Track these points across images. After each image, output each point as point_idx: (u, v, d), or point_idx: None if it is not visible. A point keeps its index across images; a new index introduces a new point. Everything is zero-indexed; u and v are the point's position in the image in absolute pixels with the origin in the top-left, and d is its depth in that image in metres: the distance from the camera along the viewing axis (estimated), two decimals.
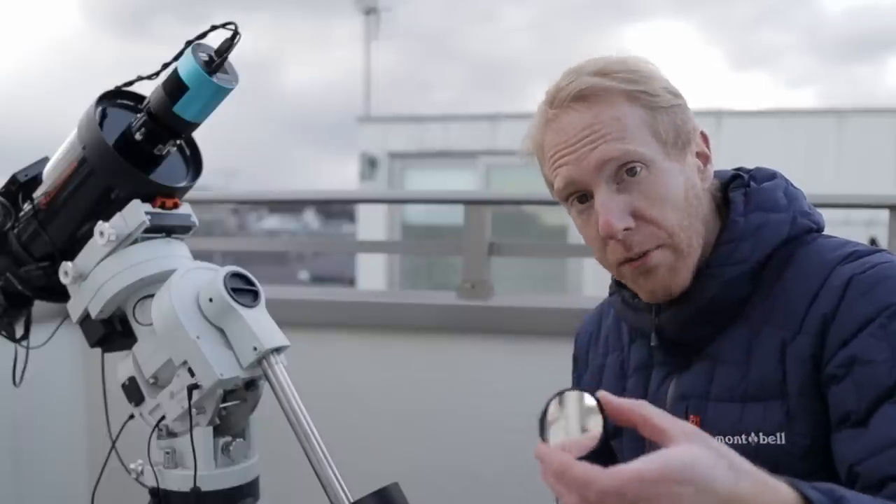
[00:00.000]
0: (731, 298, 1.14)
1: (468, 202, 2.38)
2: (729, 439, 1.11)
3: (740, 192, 1.17)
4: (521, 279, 7.94)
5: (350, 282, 11.26)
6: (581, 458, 1.41)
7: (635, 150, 1.11)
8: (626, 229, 1.10)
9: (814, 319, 1.08)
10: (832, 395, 1.06)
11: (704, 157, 1.19)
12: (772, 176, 1.20)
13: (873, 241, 5.80)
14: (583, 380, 1.36)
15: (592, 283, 7.38)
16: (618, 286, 1.27)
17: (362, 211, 10.36)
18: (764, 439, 1.09)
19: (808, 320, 1.08)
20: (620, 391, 1.27)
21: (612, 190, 1.11)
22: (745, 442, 1.10)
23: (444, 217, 8.46)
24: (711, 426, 1.13)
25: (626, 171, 1.11)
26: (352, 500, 1.07)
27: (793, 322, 1.09)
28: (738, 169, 1.23)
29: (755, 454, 1.09)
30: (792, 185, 1.21)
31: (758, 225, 1.14)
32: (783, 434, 1.08)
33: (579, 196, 1.15)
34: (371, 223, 9.88)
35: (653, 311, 1.19)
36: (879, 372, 1.02)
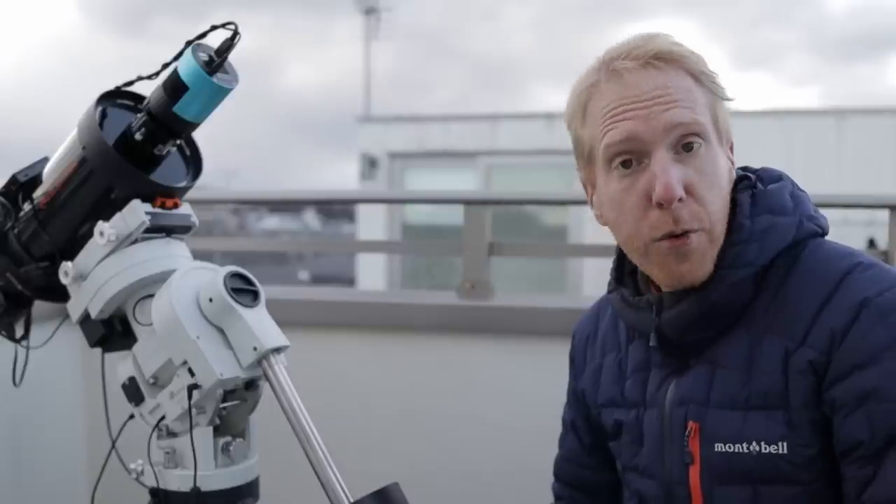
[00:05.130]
0: (734, 301, 1.13)
1: (468, 202, 2.38)
2: (730, 447, 1.11)
3: (747, 194, 1.16)
4: (521, 279, 7.94)
5: (350, 282, 11.25)
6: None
7: (703, 122, 1.11)
8: (679, 200, 1.09)
9: (820, 333, 1.07)
10: (841, 423, 1.06)
11: (731, 163, 1.19)
12: (778, 177, 1.20)
13: (872, 242, 5.80)
14: (580, 380, 1.36)
15: (592, 283, 7.38)
16: (617, 283, 1.26)
17: (362, 211, 10.37)
18: (766, 448, 1.09)
19: (813, 333, 1.07)
20: (619, 392, 1.27)
21: (671, 157, 1.10)
22: (746, 450, 1.10)
23: (445, 217, 8.46)
24: (711, 433, 1.13)
25: (684, 145, 1.10)
26: (352, 501, 1.07)
27: (797, 332, 1.09)
28: (744, 168, 1.23)
29: (756, 462, 1.09)
30: (798, 187, 1.20)
31: (765, 228, 1.13)
32: (785, 444, 1.08)
33: (624, 161, 1.12)
34: (371, 223, 9.89)
35: (654, 310, 1.18)
36: (894, 412, 1.02)
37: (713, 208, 1.11)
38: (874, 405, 1.03)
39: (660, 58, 1.11)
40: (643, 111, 1.09)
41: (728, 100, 1.16)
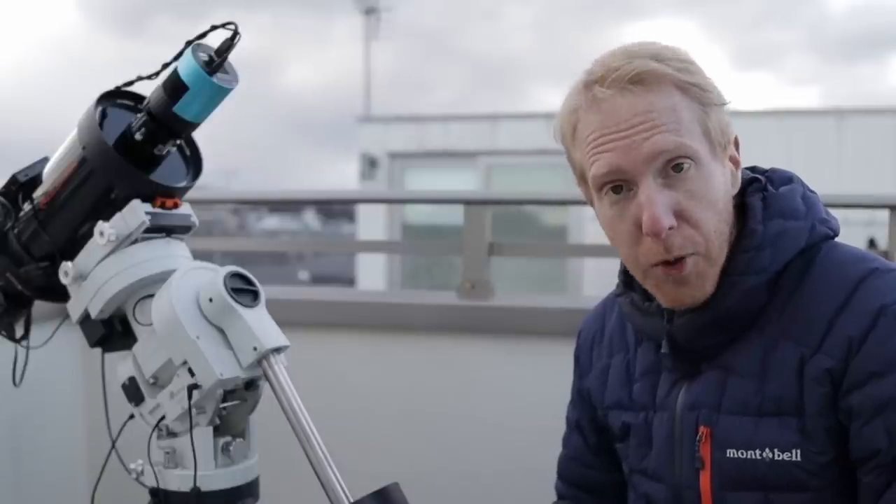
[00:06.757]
0: (747, 307, 1.12)
1: (468, 202, 2.39)
2: (742, 453, 1.10)
3: (758, 197, 1.14)
4: (521, 279, 7.94)
5: (350, 282, 11.25)
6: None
7: (689, 144, 1.07)
8: (669, 228, 1.06)
9: (837, 340, 1.06)
10: (858, 431, 1.05)
11: (735, 163, 1.16)
12: (789, 179, 1.18)
13: (872, 242, 5.80)
14: (586, 380, 1.35)
15: (592, 283, 7.38)
16: (626, 287, 1.25)
17: (362, 211, 10.37)
18: (779, 455, 1.08)
19: (830, 340, 1.06)
20: (627, 395, 1.26)
21: (658, 184, 1.07)
22: (759, 457, 1.09)
23: (445, 217, 8.46)
24: (723, 438, 1.12)
25: (672, 167, 1.07)
26: (352, 501, 1.07)
27: (812, 338, 1.08)
28: (753, 169, 1.21)
29: (769, 469, 1.09)
30: (809, 188, 1.18)
31: (777, 233, 1.11)
32: (799, 451, 1.07)
33: (614, 187, 1.09)
34: (371, 223, 9.89)
35: (664, 316, 1.16)
36: None
37: (707, 228, 1.08)
38: (892, 414, 1.03)
39: (638, 80, 1.06)
40: (623, 141, 1.06)
41: (723, 104, 1.12)
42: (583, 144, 1.11)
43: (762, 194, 1.15)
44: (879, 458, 1.04)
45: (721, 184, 1.11)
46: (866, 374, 1.04)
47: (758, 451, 1.09)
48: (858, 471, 1.07)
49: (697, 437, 1.14)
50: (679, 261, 1.09)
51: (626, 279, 1.24)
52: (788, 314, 1.11)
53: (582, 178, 1.16)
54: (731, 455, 1.11)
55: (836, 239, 1.17)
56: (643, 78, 1.06)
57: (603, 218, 1.14)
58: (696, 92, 1.09)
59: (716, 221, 1.10)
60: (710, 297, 1.12)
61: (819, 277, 1.10)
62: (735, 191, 1.15)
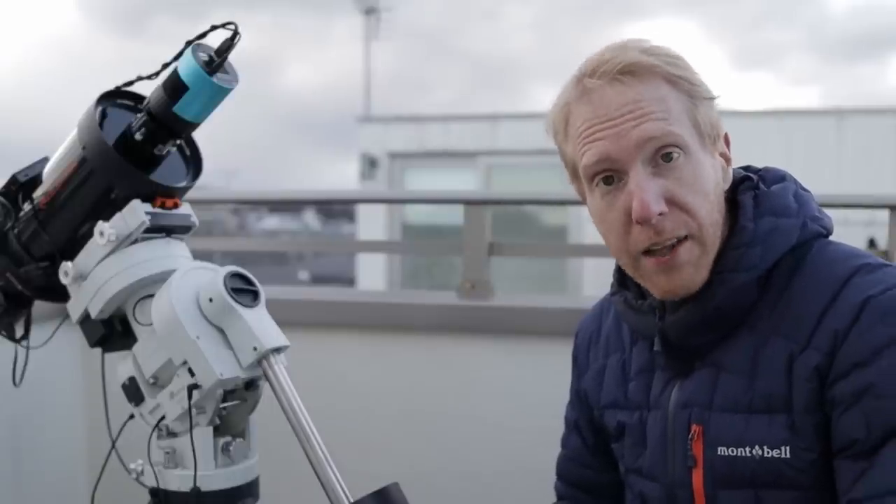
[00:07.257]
0: (738, 305, 1.12)
1: (468, 202, 2.39)
2: (732, 451, 1.11)
3: (749, 195, 1.15)
4: (521, 279, 7.94)
5: (350, 282, 11.25)
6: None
7: (678, 132, 1.08)
8: (660, 214, 1.07)
9: (824, 335, 1.06)
10: (838, 420, 1.05)
11: (726, 159, 1.17)
12: (781, 178, 1.19)
13: (872, 242, 5.80)
14: (583, 380, 1.36)
15: (592, 283, 7.38)
16: (620, 286, 1.25)
17: (362, 211, 10.38)
18: (768, 452, 1.08)
19: (817, 335, 1.07)
20: (622, 394, 1.27)
21: (647, 172, 1.08)
22: (748, 454, 1.10)
23: (445, 217, 8.47)
24: (715, 437, 1.12)
25: (662, 156, 1.08)
26: (352, 501, 1.07)
27: (801, 335, 1.08)
28: (747, 168, 1.22)
29: (758, 466, 1.09)
30: (802, 187, 1.19)
31: (768, 230, 1.12)
32: (788, 448, 1.08)
33: (605, 177, 1.11)
34: (371, 223, 9.89)
35: (657, 314, 1.17)
36: (891, 408, 1.02)
37: (701, 213, 1.09)
38: (871, 401, 1.03)
39: (627, 71, 1.08)
40: (613, 130, 1.08)
41: (713, 98, 1.13)
42: (574, 137, 1.13)
43: (753, 192, 1.16)
44: (857, 446, 1.03)
45: (711, 175, 1.12)
46: (850, 365, 1.04)
47: (748, 449, 1.10)
48: (835, 458, 1.06)
49: (689, 436, 1.15)
50: (671, 249, 1.09)
51: (621, 278, 1.25)
52: (779, 311, 1.11)
53: (574, 174, 1.17)
54: (722, 453, 1.12)
55: (832, 237, 1.17)
56: (633, 69, 1.09)
57: (594, 210, 1.15)
58: (685, 85, 1.11)
59: (708, 210, 1.10)
60: (701, 293, 1.12)
61: (809, 275, 1.11)
62: (727, 185, 1.16)
